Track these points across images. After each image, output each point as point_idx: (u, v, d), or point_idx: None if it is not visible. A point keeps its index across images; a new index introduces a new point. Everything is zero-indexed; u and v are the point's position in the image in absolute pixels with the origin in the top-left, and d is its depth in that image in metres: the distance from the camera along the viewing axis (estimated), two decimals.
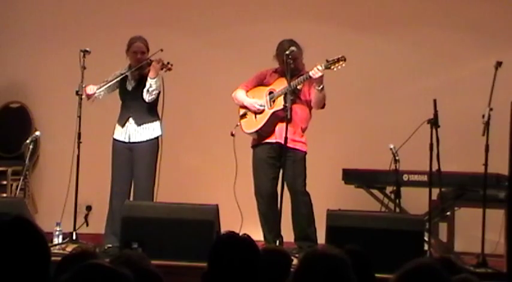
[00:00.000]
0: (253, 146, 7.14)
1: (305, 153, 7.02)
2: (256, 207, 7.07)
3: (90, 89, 7.08)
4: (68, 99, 7.46)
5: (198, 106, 8.63)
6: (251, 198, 7.14)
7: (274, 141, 7.00)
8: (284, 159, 6.83)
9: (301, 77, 6.90)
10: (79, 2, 8.91)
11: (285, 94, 6.90)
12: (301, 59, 7.04)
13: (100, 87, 7.13)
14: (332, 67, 6.84)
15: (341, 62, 6.84)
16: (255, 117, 7.12)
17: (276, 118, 6.99)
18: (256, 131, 7.08)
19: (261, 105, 7.08)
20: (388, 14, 8.46)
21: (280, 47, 6.99)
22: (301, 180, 6.96)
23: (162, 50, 7.01)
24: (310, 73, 6.82)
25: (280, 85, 7.03)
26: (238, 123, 7.18)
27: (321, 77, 6.82)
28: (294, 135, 6.94)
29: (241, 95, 7.18)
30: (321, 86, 6.86)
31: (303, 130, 7.05)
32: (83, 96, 7.07)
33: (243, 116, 7.18)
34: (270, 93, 7.09)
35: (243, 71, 7.56)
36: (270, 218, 6.96)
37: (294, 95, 6.91)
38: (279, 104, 6.98)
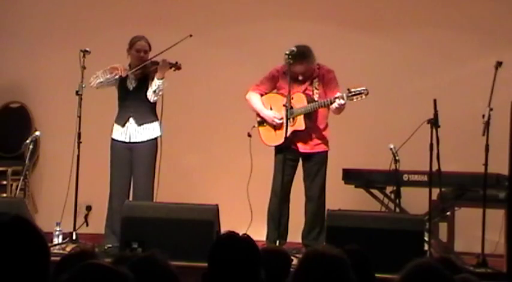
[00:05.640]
0: (275, 147, 7.13)
1: (326, 152, 7.05)
2: (268, 205, 7.06)
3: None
4: (68, 99, 7.46)
5: (198, 106, 8.62)
6: (250, 198, 7.14)
7: (295, 148, 7.01)
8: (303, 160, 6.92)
9: (320, 103, 6.91)
10: (79, 2, 8.91)
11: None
12: (311, 67, 7.01)
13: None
14: (354, 99, 6.84)
15: (363, 95, 6.85)
16: (275, 131, 7.08)
17: (295, 136, 6.97)
18: (277, 146, 7.07)
19: (280, 119, 7.04)
20: (388, 14, 8.45)
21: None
22: (320, 182, 7.00)
23: (191, 36, 7.00)
24: (333, 106, 6.82)
25: (299, 102, 6.95)
26: (255, 125, 7.14)
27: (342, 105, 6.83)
28: (314, 140, 7.00)
29: (256, 102, 7.13)
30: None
31: (324, 129, 7.06)
32: (118, 75, 7.07)
33: (261, 123, 7.13)
34: (290, 108, 7.05)
35: (244, 70, 7.57)
36: (277, 217, 6.92)
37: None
38: (300, 123, 6.93)
